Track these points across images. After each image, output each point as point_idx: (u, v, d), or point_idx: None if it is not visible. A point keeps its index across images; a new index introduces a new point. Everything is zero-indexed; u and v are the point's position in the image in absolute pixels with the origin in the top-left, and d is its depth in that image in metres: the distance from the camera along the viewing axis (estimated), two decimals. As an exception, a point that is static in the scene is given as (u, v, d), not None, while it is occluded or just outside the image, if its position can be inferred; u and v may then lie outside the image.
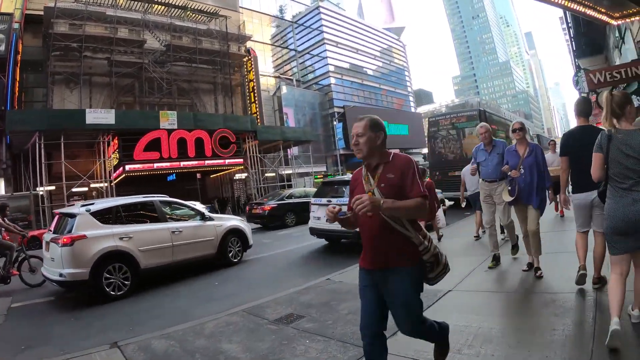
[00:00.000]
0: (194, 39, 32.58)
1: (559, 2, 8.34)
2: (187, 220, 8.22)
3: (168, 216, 7.95)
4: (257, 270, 8.17)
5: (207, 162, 24.16)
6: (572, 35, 19.94)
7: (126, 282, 6.67)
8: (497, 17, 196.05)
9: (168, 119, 23.36)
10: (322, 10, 57.37)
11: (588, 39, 19.23)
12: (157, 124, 22.89)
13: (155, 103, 30.78)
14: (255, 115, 33.79)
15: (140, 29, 30.41)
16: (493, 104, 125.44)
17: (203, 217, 8.31)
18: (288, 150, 34.80)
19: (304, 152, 38.48)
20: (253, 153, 27.93)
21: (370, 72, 66.39)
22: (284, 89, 48.65)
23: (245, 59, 36.45)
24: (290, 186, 36.33)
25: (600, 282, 4.21)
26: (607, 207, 3.16)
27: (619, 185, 3.04)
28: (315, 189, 12.69)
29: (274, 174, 33.09)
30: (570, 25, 19.41)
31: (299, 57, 58.79)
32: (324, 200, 9.25)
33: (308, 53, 58.18)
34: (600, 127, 3.57)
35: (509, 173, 5.25)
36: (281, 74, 57.18)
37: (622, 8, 9.31)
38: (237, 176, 29.82)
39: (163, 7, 31.95)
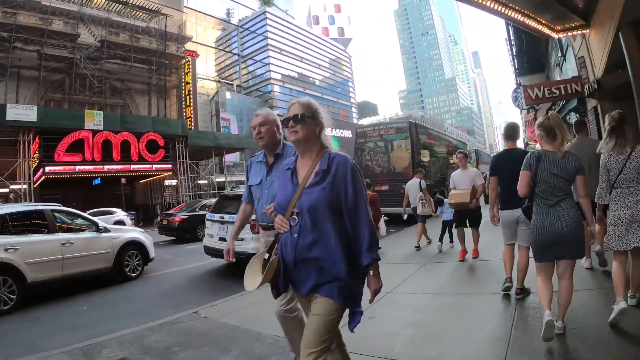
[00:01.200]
0: (130, 36, 32.26)
1: (500, 10, 7.97)
2: (81, 231, 7.89)
3: (62, 226, 7.66)
4: (143, 292, 7.58)
5: (132, 166, 23.94)
6: (514, 54, 20.26)
7: (12, 297, 6.28)
8: (445, 35, 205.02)
9: (94, 119, 23.04)
10: (268, 15, 58.42)
11: (530, 57, 19.88)
12: (81, 124, 22.41)
13: (85, 101, 30.19)
14: (190, 119, 33.77)
15: (76, 22, 29.80)
16: (437, 118, 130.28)
17: (98, 229, 7.99)
18: (224, 157, 34.99)
19: (244, 160, 38.53)
20: (183, 159, 27.68)
21: (314, 81, 67.82)
22: (227, 95, 48.77)
23: (183, 61, 36.47)
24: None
25: (523, 292, 4.53)
26: (534, 223, 3.46)
27: (545, 202, 3.38)
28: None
29: (206, 181, 33.16)
30: (513, 43, 19.53)
31: (241, 62, 59.09)
32: (216, 217, 8.59)
33: (251, 58, 58.65)
34: (528, 149, 4.62)
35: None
36: (223, 79, 57.23)
37: (564, 21, 9.39)
38: (167, 182, 29.54)
39: (103, 0, 31.48)
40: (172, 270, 9.56)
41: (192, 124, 33.87)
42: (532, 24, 9.05)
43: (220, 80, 55.11)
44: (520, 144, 6.15)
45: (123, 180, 24.25)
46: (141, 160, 24.09)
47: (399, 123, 16.52)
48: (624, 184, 3.59)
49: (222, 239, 8.08)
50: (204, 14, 55.61)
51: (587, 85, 10.48)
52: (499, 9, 8.04)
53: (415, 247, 8.85)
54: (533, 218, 3.49)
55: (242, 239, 7.01)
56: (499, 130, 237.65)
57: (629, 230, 3.49)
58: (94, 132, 22.65)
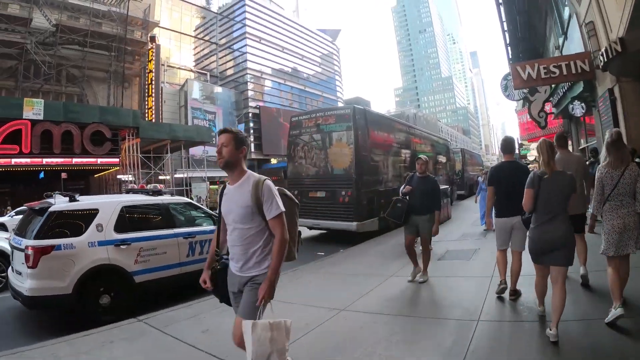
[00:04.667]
0: (90, 20, 30.98)
1: None
2: None
3: None
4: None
5: (75, 160, 22.42)
6: (508, 42, 18.51)
7: None
8: (444, 34, 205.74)
9: (33, 108, 21.57)
10: (247, 2, 56.81)
11: (526, 46, 18.25)
12: (20, 113, 21.02)
13: (37, 89, 28.85)
14: (151, 110, 32.38)
15: (30, 5, 28.48)
16: (432, 117, 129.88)
17: None
18: (182, 150, 33.66)
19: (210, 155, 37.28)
20: (134, 152, 26.34)
21: (296, 73, 66.47)
22: (195, 85, 47.38)
23: (147, 47, 35.11)
24: (189, 192, 35.24)
25: (516, 294, 5.11)
26: (531, 233, 4.14)
27: (543, 216, 3.99)
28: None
29: (167, 177, 31.81)
30: (506, 29, 17.72)
31: (219, 52, 57.63)
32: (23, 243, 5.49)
33: (228, 47, 57.19)
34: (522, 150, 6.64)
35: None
36: (200, 69, 55.84)
37: None
38: (124, 177, 27.91)
39: None
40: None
41: (153, 115, 32.44)
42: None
43: (193, 70, 53.64)
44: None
45: (64, 175, 22.69)
46: (84, 153, 22.59)
47: (340, 110, 12.81)
48: (617, 198, 4.14)
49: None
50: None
51: (600, 54, 8.37)
52: None
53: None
54: (531, 228, 4.16)
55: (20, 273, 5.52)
56: (496, 131, 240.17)
57: (622, 238, 4.09)
58: (34, 122, 21.23)
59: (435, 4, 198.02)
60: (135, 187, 7.71)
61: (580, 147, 16.21)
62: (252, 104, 53.52)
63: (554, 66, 10.78)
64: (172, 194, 7.45)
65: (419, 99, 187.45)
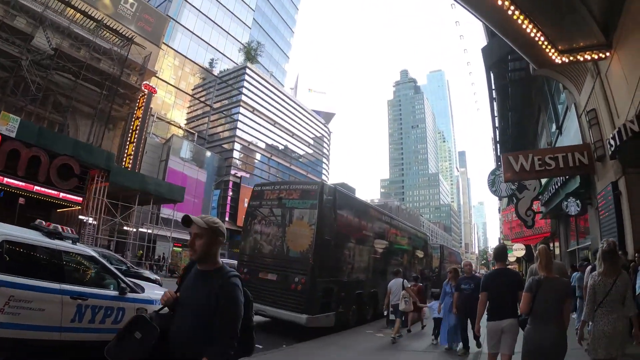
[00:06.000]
0: (90, 53, 31.17)
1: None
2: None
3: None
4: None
5: (37, 187, 21.35)
6: (497, 140, 18.67)
7: None
8: (435, 131, 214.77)
9: (8, 123, 20.79)
10: (247, 71, 58.44)
11: (516, 144, 17.85)
12: (-8, 127, 20.26)
13: (20, 107, 28.16)
14: (129, 157, 31.71)
15: (36, 23, 28.57)
16: (415, 211, 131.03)
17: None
18: (162, 208, 32.67)
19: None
20: (100, 195, 25.08)
21: (283, 149, 66.96)
22: (184, 144, 47.29)
23: (139, 94, 35.21)
24: (154, 249, 33.82)
25: None
26: (527, 334, 4.39)
27: (540, 318, 4.30)
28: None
29: (132, 229, 30.53)
30: (497, 126, 17.95)
31: (212, 114, 58.29)
32: None
33: (221, 112, 57.96)
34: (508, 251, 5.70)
35: None
36: (190, 128, 56.15)
37: (576, 37, 7.51)
38: (87, 219, 26.29)
39: (78, 14, 30.82)
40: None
41: (130, 162, 31.74)
42: (530, 31, 7.26)
43: (182, 127, 53.86)
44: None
45: (21, 200, 21.59)
46: (48, 183, 21.57)
47: (307, 185, 11.80)
48: (609, 305, 4.28)
49: None
50: (183, 55, 55.61)
51: (611, 137, 7.62)
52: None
53: (392, 337, 9.75)
54: (527, 329, 4.41)
55: None
56: (477, 229, 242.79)
57: (611, 342, 4.23)
58: (4, 138, 20.32)
59: (430, 102, 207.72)
60: (59, 228, 6.25)
61: (569, 250, 15.75)
62: (236, 172, 53.37)
63: (550, 158, 10.18)
64: (75, 242, 6.05)
65: (404, 192, 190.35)
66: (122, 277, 6.32)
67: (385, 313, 11.03)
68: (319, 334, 9.85)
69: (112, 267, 6.48)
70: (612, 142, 7.55)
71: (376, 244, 14.45)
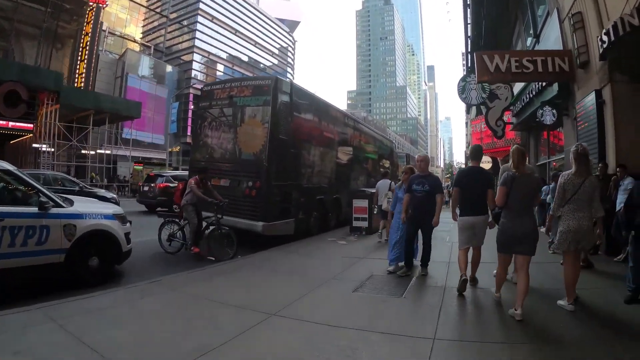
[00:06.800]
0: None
1: None
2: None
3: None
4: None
5: (-18, 119, 20.50)
6: (469, 49, 17.41)
7: None
8: (404, 44, 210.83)
9: (-56, 55, 19.49)
10: (205, -22, 54.82)
11: (490, 42, 16.73)
12: None
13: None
14: (81, 76, 30.29)
15: None
16: (382, 123, 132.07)
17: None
18: (124, 126, 31.68)
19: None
20: (52, 120, 24.32)
21: (245, 59, 64.99)
22: (134, 56, 45.15)
23: (86, 8, 32.89)
24: (114, 170, 33.32)
25: (474, 281, 5.83)
26: (502, 225, 4.75)
27: (514, 211, 4.65)
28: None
29: (91, 152, 29.79)
30: (469, 35, 16.85)
31: (169, 25, 55.36)
32: None
33: (179, 22, 55.08)
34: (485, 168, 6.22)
35: None
36: (147, 42, 53.40)
37: None
38: (43, 148, 25.02)
39: None
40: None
41: (83, 82, 30.35)
42: None
43: (137, 41, 51.18)
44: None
45: (-34, 134, 20.75)
46: (-5, 113, 20.59)
47: (259, 80, 10.54)
48: (575, 203, 4.67)
49: None
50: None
51: (603, 34, 6.92)
52: None
53: (379, 240, 10.03)
54: (501, 221, 4.78)
55: None
56: (443, 144, 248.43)
57: (575, 237, 4.65)
58: (-59, 73, 19.18)
59: (400, 14, 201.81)
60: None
61: (539, 163, 15.62)
62: (196, 84, 51.50)
63: (528, 60, 9.58)
64: None
65: (371, 104, 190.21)
66: (44, 190, 5.58)
67: (375, 211, 10.87)
68: (280, 243, 9.29)
69: (31, 180, 5.62)
70: (605, 38, 6.90)
71: (339, 147, 13.74)
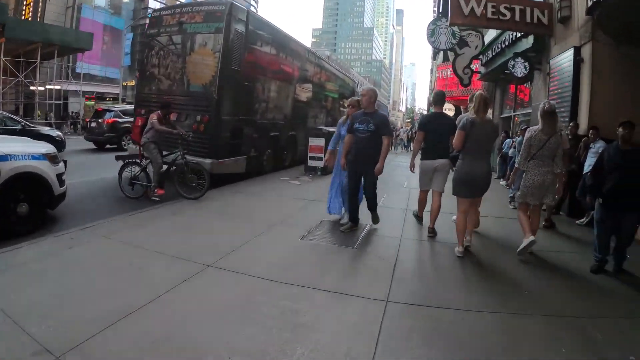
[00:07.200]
0: None
1: None
2: None
3: None
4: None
5: None
6: None
7: None
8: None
9: None
10: None
11: None
12: None
13: None
14: (28, 6, 28.81)
15: None
16: (346, 63, 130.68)
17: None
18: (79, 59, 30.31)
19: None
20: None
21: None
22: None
23: None
24: (65, 106, 32.36)
25: (433, 232, 5.81)
26: (459, 167, 5.06)
27: (471, 155, 4.92)
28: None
29: (40, 88, 28.72)
30: None
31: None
32: None
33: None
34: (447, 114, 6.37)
35: None
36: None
37: None
38: None
39: None
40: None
41: (30, 13, 28.91)
42: None
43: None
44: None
45: None
46: None
47: (212, 4, 9.43)
48: (540, 158, 4.96)
49: None
50: None
51: None
52: None
53: None
54: (458, 163, 5.05)
55: None
56: (406, 89, 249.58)
57: (539, 191, 5.02)
58: None
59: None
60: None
61: (503, 116, 15.81)
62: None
63: (506, 7, 9.09)
64: None
65: (336, 43, 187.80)
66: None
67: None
68: (231, 182, 9.09)
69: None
70: None
71: (298, 84, 13.29)
